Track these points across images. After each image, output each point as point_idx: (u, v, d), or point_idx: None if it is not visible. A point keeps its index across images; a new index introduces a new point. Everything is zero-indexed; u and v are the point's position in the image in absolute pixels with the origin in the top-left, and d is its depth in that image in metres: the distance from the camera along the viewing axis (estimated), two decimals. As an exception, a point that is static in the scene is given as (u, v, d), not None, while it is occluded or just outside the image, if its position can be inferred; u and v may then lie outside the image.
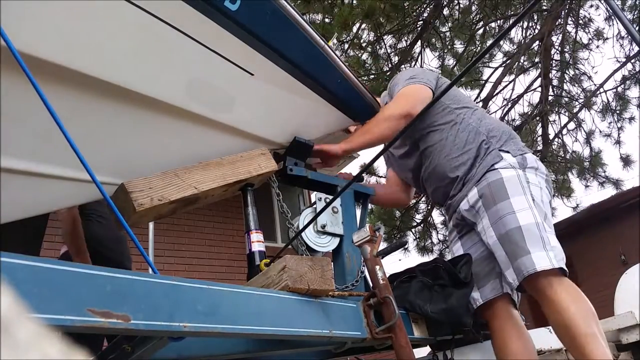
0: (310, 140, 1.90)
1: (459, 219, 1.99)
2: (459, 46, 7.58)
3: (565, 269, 1.65)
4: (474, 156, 1.91)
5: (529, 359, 1.79)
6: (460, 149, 1.95)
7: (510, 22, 6.50)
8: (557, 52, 7.06)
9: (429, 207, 8.33)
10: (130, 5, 1.13)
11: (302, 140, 1.86)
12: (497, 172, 1.83)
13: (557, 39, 6.92)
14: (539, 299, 1.65)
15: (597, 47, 7.43)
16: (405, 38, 7.45)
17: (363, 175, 2.17)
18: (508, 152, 1.88)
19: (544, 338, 2.19)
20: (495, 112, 7.67)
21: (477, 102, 7.97)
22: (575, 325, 1.54)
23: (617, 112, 7.59)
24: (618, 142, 7.69)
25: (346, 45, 7.14)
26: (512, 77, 7.06)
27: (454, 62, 7.44)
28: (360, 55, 7.38)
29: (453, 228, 2.07)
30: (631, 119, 7.63)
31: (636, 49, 6.61)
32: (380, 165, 8.45)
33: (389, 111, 1.93)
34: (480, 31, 7.14)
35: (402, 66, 7.76)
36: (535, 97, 7.30)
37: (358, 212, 2.12)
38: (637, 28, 7.01)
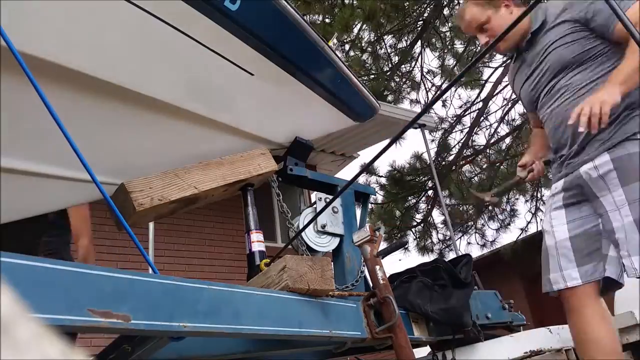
0: (309, 141, 1.90)
1: (574, 184, 1.71)
2: (459, 46, 7.58)
3: None
4: (614, 115, 1.58)
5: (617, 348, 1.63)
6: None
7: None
8: (557, 52, 7.04)
9: (429, 207, 8.34)
10: (130, 5, 1.13)
11: (303, 140, 1.86)
12: (638, 143, 1.56)
13: (557, 39, 6.89)
14: None
15: (597, 47, 7.41)
16: (406, 38, 7.46)
17: None
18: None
19: (544, 338, 2.19)
20: (495, 112, 7.68)
21: (477, 102, 8.03)
22: None
23: (617, 112, 7.58)
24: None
25: (347, 47, 7.15)
26: (512, 77, 7.05)
27: (454, 62, 7.44)
28: (360, 55, 7.38)
29: (560, 191, 1.78)
30: (631, 119, 7.61)
31: (636, 49, 6.60)
32: (381, 166, 8.45)
33: None
34: (481, 31, 7.13)
35: (402, 66, 7.76)
36: (535, 97, 7.28)
37: (358, 212, 2.12)
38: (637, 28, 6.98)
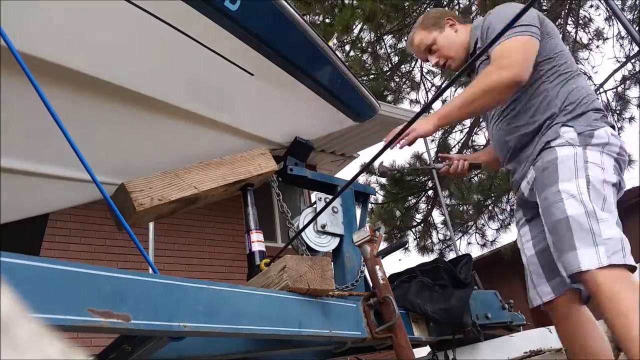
0: (309, 141, 1.90)
1: (522, 200, 1.78)
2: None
3: (625, 262, 1.40)
4: (536, 130, 1.65)
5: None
6: (527, 118, 1.68)
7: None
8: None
9: (429, 207, 8.34)
10: (130, 5, 1.13)
11: (303, 140, 1.86)
12: (553, 150, 1.58)
13: (557, 39, 6.90)
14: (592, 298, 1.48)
15: (597, 47, 7.44)
16: (405, 38, 7.45)
17: None
18: (572, 127, 1.60)
19: (544, 338, 2.19)
20: (495, 112, 7.66)
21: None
22: (622, 334, 1.34)
23: (617, 112, 7.60)
24: (618, 142, 7.68)
25: (347, 47, 7.15)
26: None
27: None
28: (360, 55, 7.38)
29: (518, 207, 1.85)
30: (631, 119, 7.63)
31: (636, 49, 6.61)
32: (380, 165, 8.44)
33: (494, 77, 1.60)
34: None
35: (402, 66, 7.77)
36: (535, 96, 7.28)
37: (358, 212, 2.12)
38: (637, 28, 7.00)
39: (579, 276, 1.44)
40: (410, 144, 1.70)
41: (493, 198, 8.21)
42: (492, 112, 1.82)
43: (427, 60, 1.97)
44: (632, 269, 1.42)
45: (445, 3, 6.98)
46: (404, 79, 8.02)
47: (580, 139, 1.57)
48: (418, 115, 1.35)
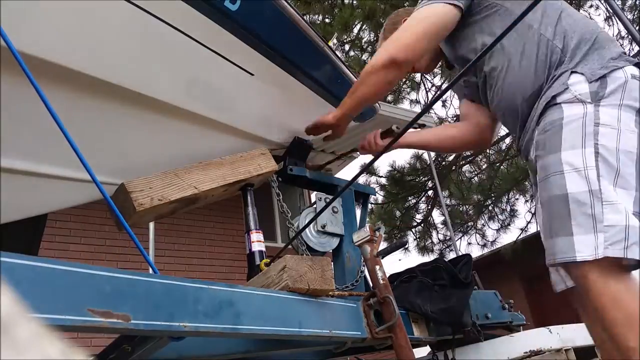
0: (309, 140, 1.90)
1: (531, 165, 1.50)
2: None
3: (626, 255, 1.15)
4: (541, 82, 1.40)
5: None
6: (526, 71, 1.42)
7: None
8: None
9: (429, 207, 8.34)
10: (130, 5, 1.13)
11: (302, 140, 1.86)
12: (559, 108, 1.32)
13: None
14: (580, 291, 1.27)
15: (597, 47, 7.42)
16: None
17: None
18: (582, 74, 1.32)
19: (544, 338, 2.19)
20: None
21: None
22: (612, 335, 1.16)
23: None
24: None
25: (347, 46, 7.14)
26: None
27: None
28: (360, 55, 7.38)
29: (531, 172, 1.58)
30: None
31: (636, 48, 6.61)
32: (381, 166, 8.46)
33: (372, 61, 1.53)
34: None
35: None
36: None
37: (358, 212, 2.12)
38: (637, 28, 7.00)
39: (568, 267, 1.25)
40: (314, 132, 1.71)
41: (493, 198, 8.21)
42: (481, 87, 1.59)
43: None
44: (634, 264, 1.18)
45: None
46: (403, 79, 8.02)
47: (592, 93, 1.29)
48: (418, 115, 1.34)
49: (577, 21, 1.42)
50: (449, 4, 1.45)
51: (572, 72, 1.34)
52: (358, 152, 1.98)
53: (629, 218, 1.17)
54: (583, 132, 1.26)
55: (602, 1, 6.80)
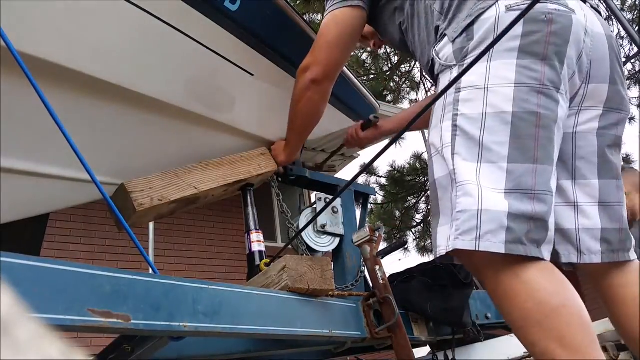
0: None
1: None
2: (459, 46, 7.56)
3: (476, 247, 0.92)
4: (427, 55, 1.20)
5: None
6: (422, 46, 1.23)
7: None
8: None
9: (429, 207, 8.33)
10: (130, 5, 1.13)
11: None
12: (438, 79, 1.15)
13: (557, 39, 6.90)
14: None
15: (597, 47, 7.41)
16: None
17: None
18: (446, 35, 1.10)
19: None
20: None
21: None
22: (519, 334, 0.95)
23: (617, 112, 7.59)
24: (618, 142, 7.67)
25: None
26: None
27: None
28: (360, 55, 7.38)
29: None
30: (631, 119, 7.63)
31: (635, 49, 6.61)
32: (381, 165, 8.46)
33: (294, 90, 1.44)
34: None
35: (402, 66, 7.76)
36: (535, 97, 7.28)
37: (358, 212, 2.12)
38: (636, 28, 7.00)
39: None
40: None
41: (493, 198, 8.20)
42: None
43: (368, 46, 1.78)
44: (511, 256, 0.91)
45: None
46: (403, 79, 8.02)
47: (455, 52, 1.06)
48: (418, 115, 1.34)
49: None
50: (350, 6, 1.31)
51: (442, 36, 1.12)
52: (359, 153, 1.99)
53: (481, 201, 0.93)
54: (444, 103, 1.07)
55: (601, 1, 6.80)
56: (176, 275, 1.07)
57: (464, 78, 0.99)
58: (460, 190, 0.97)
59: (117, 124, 1.36)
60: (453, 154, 1.00)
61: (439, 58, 1.10)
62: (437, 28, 1.14)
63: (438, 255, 1.03)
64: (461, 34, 1.05)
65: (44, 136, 1.16)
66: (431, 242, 1.07)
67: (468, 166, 0.97)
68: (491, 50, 0.97)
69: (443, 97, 1.06)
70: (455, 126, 1.02)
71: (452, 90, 1.02)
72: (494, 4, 1.02)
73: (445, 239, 0.99)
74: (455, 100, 1.03)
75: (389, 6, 1.34)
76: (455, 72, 1.04)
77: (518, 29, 0.96)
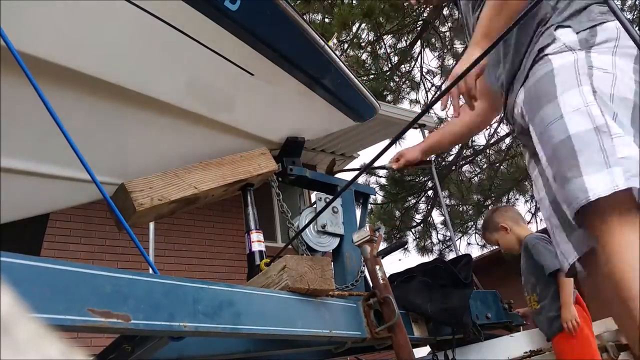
0: (300, 137, 1.90)
1: (520, 130, 1.40)
2: (459, 46, 7.58)
3: None
4: (528, 41, 1.31)
5: None
6: (517, 35, 1.33)
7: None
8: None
9: (429, 207, 8.34)
10: (130, 6, 1.13)
11: (295, 138, 1.86)
12: (547, 60, 1.24)
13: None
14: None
15: (597, 47, 7.41)
16: (405, 38, 7.46)
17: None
18: (569, 26, 1.25)
19: (544, 338, 2.19)
20: (495, 112, 7.66)
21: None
22: (622, 284, 1.03)
23: (617, 112, 7.58)
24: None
25: (346, 45, 7.15)
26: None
27: (454, 62, 7.43)
28: (360, 55, 7.39)
29: (524, 148, 1.48)
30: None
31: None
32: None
33: None
34: (480, 31, 7.13)
35: (402, 66, 7.77)
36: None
37: (358, 212, 2.12)
38: (637, 28, 6.99)
39: (585, 213, 1.09)
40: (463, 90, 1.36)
41: (493, 198, 8.21)
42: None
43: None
44: None
45: (445, 3, 6.99)
46: (403, 79, 8.02)
47: (581, 40, 1.22)
48: (419, 116, 1.34)
49: None
50: None
51: (558, 27, 1.26)
52: (359, 153, 1.99)
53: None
54: (577, 73, 1.18)
55: (601, 1, 6.80)
56: (176, 275, 1.07)
57: (595, 62, 1.18)
58: (619, 139, 1.09)
59: (117, 123, 1.36)
60: (602, 113, 1.12)
61: (562, 39, 1.25)
62: (546, 17, 1.30)
63: (584, 203, 1.08)
64: (585, 29, 1.24)
65: (44, 136, 1.16)
66: (566, 198, 1.08)
67: (614, 123, 1.11)
68: (615, 46, 1.20)
69: (575, 70, 1.19)
70: (595, 92, 1.15)
71: (584, 66, 1.19)
72: (613, 20, 1.23)
73: (605, 184, 1.06)
74: (590, 74, 1.17)
75: None
76: (579, 54, 1.21)
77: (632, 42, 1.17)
